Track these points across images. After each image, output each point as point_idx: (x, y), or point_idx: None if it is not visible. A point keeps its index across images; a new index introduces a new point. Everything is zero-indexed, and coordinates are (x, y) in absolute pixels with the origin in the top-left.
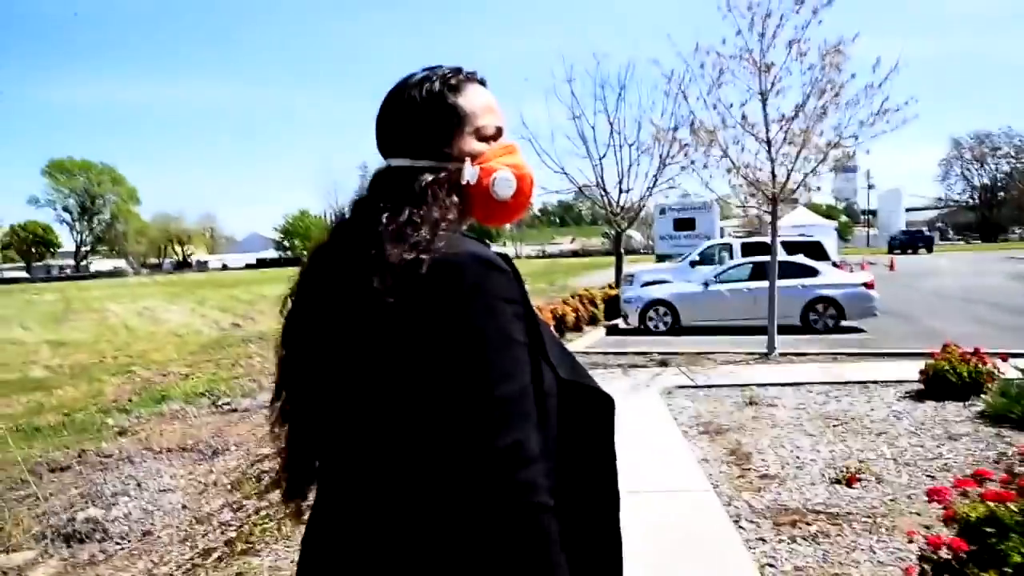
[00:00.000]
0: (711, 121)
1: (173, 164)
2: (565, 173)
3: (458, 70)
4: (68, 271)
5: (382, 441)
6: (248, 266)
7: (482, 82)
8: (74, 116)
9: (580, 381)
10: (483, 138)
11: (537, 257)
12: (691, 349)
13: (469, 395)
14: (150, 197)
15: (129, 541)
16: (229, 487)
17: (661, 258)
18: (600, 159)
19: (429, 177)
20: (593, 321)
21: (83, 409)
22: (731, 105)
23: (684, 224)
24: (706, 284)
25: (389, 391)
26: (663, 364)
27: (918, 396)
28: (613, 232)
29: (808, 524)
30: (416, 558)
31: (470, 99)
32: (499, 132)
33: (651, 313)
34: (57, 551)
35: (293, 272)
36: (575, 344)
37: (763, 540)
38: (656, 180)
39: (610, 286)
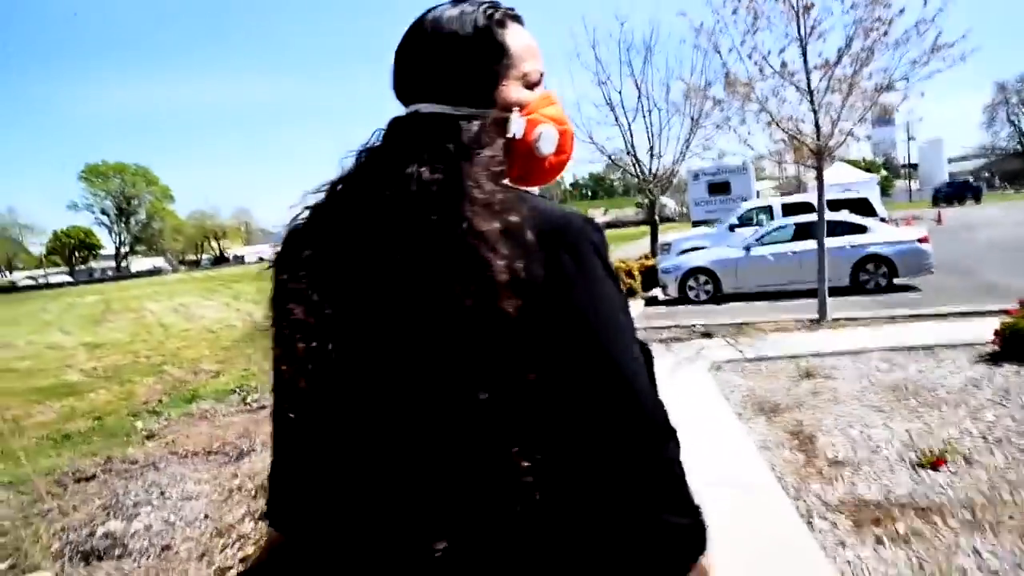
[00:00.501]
0: (747, 72)
1: (206, 161)
2: (593, 142)
3: (497, 4)
4: (109, 272)
5: (476, 455)
6: None
7: (521, 21)
8: (107, 122)
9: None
10: (529, 85)
11: None
12: (736, 318)
13: (612, 371)
14: (185, 195)
15: (148, 558)
16: (253, 493)
17: (697, 224)
18: (629, 125)
19: (476, 125)
20: (630, 294)
21: (113, 413)
22: (768, 53)
23: (719, 188)
24: (747, 248)
25: (488, 387)
26: (708, 336)
27: (993, 359)
28: (646, 201)
29: (894, 521)
30: None
31: (517, 39)
32: (541, 79)
33: (691, 282)
34: (75, 569)
35: None
36: None
37: (843, 544)
38: (688, 143)
39: (646, 256)
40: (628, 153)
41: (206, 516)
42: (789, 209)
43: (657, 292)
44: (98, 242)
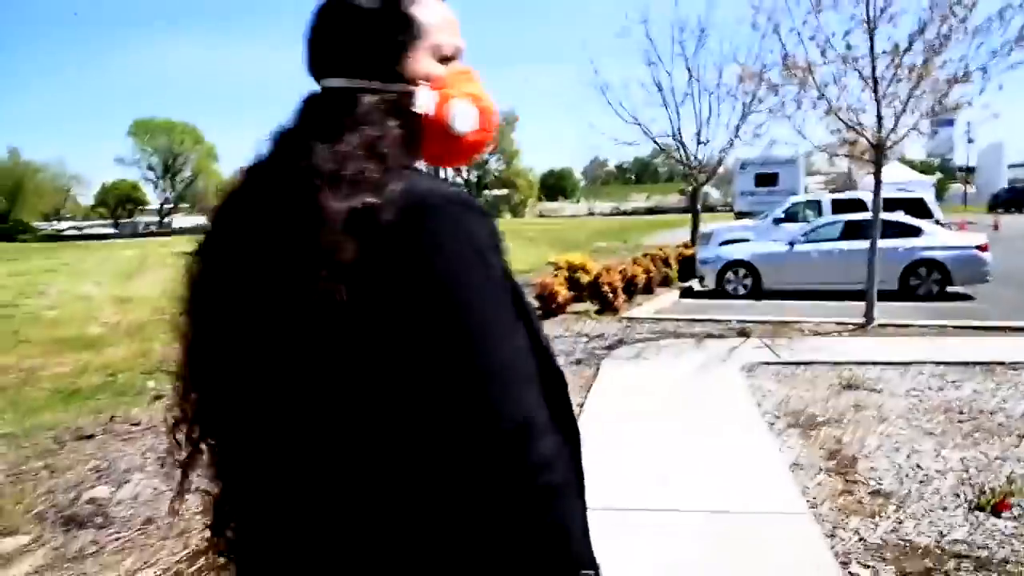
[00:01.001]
0: (806, 56)
1: (253, 123)
2: (638, 123)
3: None
4: (153, 228)
5: (342, 440)
6: None
7: None
8: (158, 79)
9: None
10: (441, 59)
11: (612, 215)
12: (775, 317)
13: (464, 363)
14: (230, 155)
15: (128, 530)
16: None
17: (740, 215)
18: (677, 109)
19: (372, 99)
20: (666, 282)
21: (128, 370)
22: (832, 35)
23: (766, 180)
24: (792, 244)
25: (348, 379)
26: (743, 334)
27: None
28: (689, 188)
29: None
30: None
31: (428, 11)
32: (458, 53)
33: (729, 275)
34: (54, 535)
35: None
36: (645, 308)
37: None
38: (738, 130)
39: (685, 245)
40: (673, 138)
41: (196, 488)
42: (839, 205)
43: (694, 283)
44: (144, 197)
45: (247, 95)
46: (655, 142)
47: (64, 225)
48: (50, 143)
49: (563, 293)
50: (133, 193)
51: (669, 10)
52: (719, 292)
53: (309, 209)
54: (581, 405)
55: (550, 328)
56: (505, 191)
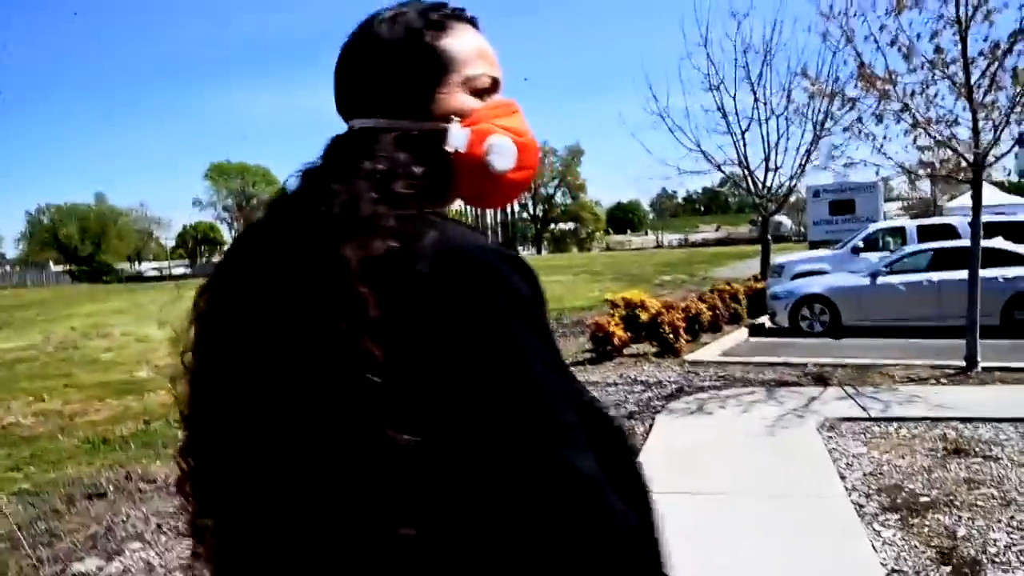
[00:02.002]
0: (886, 65)
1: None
2: (702, 151)
3: (441, 4)
4: None
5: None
6: None
7: (473, 22)
8: (232, 124)
9: (595, 403)
10: (475, 92)
11: (679, 246)
12: (857, 359)
13: (527, 427)
14: None
15: None
16: None
17: (814, 245)
18: (742, 134)
19: (392, 138)
20: (734, 319)
21: (164, 417)
22: (917, 37)
23: (842, 207)
24: (874, 276)
25: (372, 450)
26: (821, 381)
27: None
28: (759, 218)
29: None
30: None
31: (458, 42)
32: (495, 86)
33: (804, 311)
34: None
35: None
36: (710, 349)
37: None
38: (809, 154)
39: (755, 278)
40: (740, 165)
41: (190, 567)
42: (926, 232)
43: (764, 319)
44: (221, 237)
45: (316, 137)
46: (720, 170)
47: (145, 266)
48: (133, 188)
49: (619, 334)
50: (210, 234)
51: (732, 28)
52: (793, 330)
53: (323, 256)
54: None
55: (603, 374)
56: (572, 225)
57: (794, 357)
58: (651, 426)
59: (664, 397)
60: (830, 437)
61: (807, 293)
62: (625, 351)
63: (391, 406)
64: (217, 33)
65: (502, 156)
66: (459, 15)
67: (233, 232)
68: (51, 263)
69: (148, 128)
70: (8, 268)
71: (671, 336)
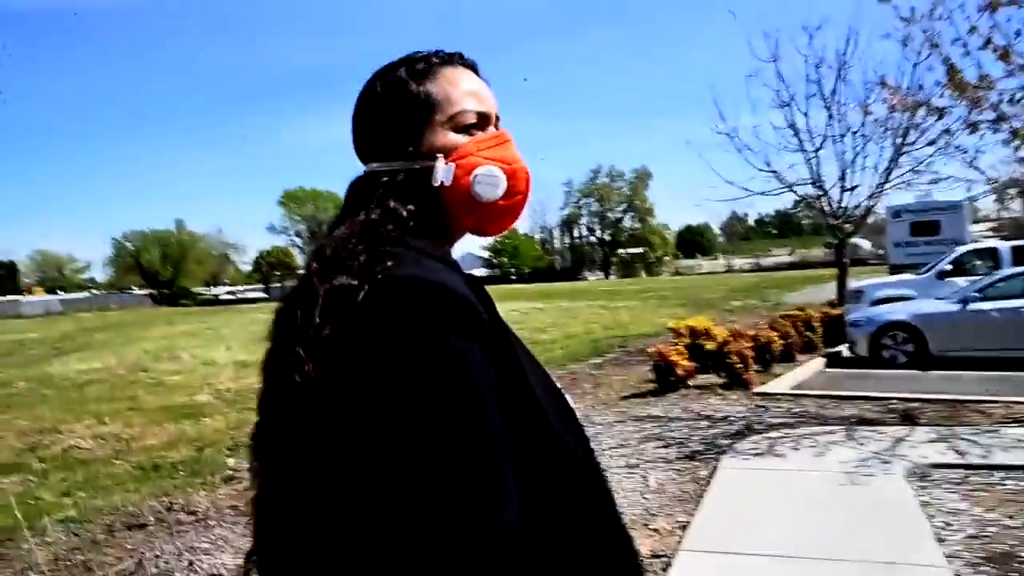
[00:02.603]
0: (978, 69)
1: None
2: (773, 171)
3: (433, 53)
4: None
5: (324, 516)
6: None
7: (469, 65)
8: (305, 151)
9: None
10: (461, 129)
11: (750, 270)
12: (949, 394)
13: (426, 465)
14: None
15: None
16: None
17: (895, 269)
18: (816, 152)
19: (385, 180)
20: (808, 348)
21: (216, 443)
22: (1017, 35)
23: (924, 228)
24: (964, 301)
25: (329, 461)
26: (908, 419)
27: None
28: (835, 241)
29: None
30: None
31: (443, 84)
32: (484, 121)
33: (886, 339)
34: None
35: (498, 291)
36: (782, 380)
37: None
38: (889, 172)
39: (831, 304)
40: (813, 184)
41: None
42: (1021, 254)
43: (842, 348)
44: (294, 262)
45: None
46: (792, 190)
47: (220, 290)
48: (210, 214)
49: (683, 364)
50: (284, 258)
51: (803, 42)
52: (873, 360)
53: (304, 289)
54: (684, 527)
55: (666, 407)
56: (639, 249)
57: (876, 391)
58: (714, 469)
59: (730, 435)
60: (922, 487)
61: (890, 320)
62: (690, 382)
63: (327, 412)
64: (289, 61)
65: (489, 186)
66: (448, 60)
67: (303, 257)
68: (134, 287)
69: (224, 155)
70: (94, 292)
71: (739, 367)
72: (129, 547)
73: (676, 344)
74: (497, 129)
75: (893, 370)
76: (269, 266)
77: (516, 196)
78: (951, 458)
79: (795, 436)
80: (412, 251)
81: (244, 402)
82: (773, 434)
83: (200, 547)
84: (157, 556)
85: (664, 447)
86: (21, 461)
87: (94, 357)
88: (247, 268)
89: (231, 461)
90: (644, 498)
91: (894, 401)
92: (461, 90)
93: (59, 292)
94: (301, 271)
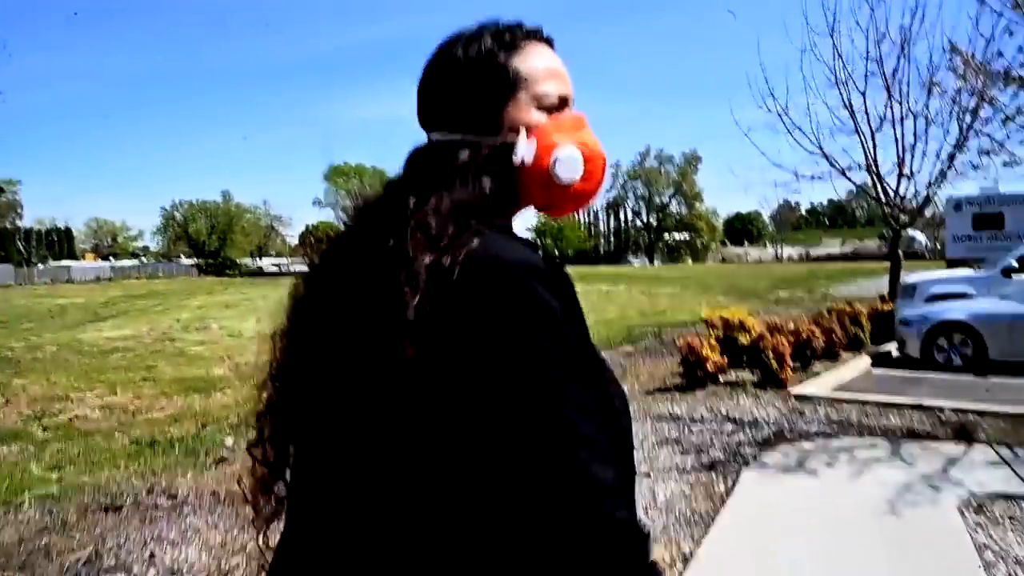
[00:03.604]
0: None
1: None
2: (825, 155)
3: (517, 25)
4: None
5: (399, 495)
6: None
7: (548, 41)
8: (352, 126)
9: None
10: (544, 108)
11: (800, 261)
12: (1012, 407)
13: (541, 436)
14: None
15: None
16: None
17: (953, 264)
18: (872, 135)
19: (467, 153)
20: (854, 346)
21: (219, 420)
22: None
23: (987, 221)
24: None
25: (412, 431)
26: (964, 435)
27: None
28: (890, 232)
29: None
30: None
31: (529, 60)
32: (564, 103)
33: (941, 340)
34: None
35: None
36: (822, 381)
37: None
38: (953, 157)
39: (882, 298)
40: (869, 170)
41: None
42: None
43: (891, 347)
44: None
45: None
46: (844, 175)
47: (266, 262)
48: (257, 187)
49: (714, 358)
50: (330, 233)
51: (864, 16)
52: (925, 362)
53: (389, 264)
54: (687, 560)
55: (690, 405)
56: (686, 235)
57: (928, 398)
58: (733, 485)
59: (758, 443)
60: (978, 524)
61: (946, 319)
62: (721, 378)
63: (420, 397)
64: (338, 38)
65: (568, 168)
66: (533, 35)
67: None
68: (183, 256)
69: (272, 129)
70: (143, 260)
71: (775, 364)
72: (97, 531)
73: (708, 336)
74: (574, 111)
75: (947, 375)
76: (316, 240)
77: (592, 180)
78: (1016, 487)
79: (831, 449)
80: (497, 231)
81: (259, 377)
82: (806, 444)
83: (168, 537)
84: (120, 545)
85: (681, 453)
86: (25, 429)
87: (128, 324)
88: (294, 242)
89: (229, 441)
90: (647, 516)
91: (947, 412)
92: (546, 68)
93: (111, 259)
94: (360, 242)
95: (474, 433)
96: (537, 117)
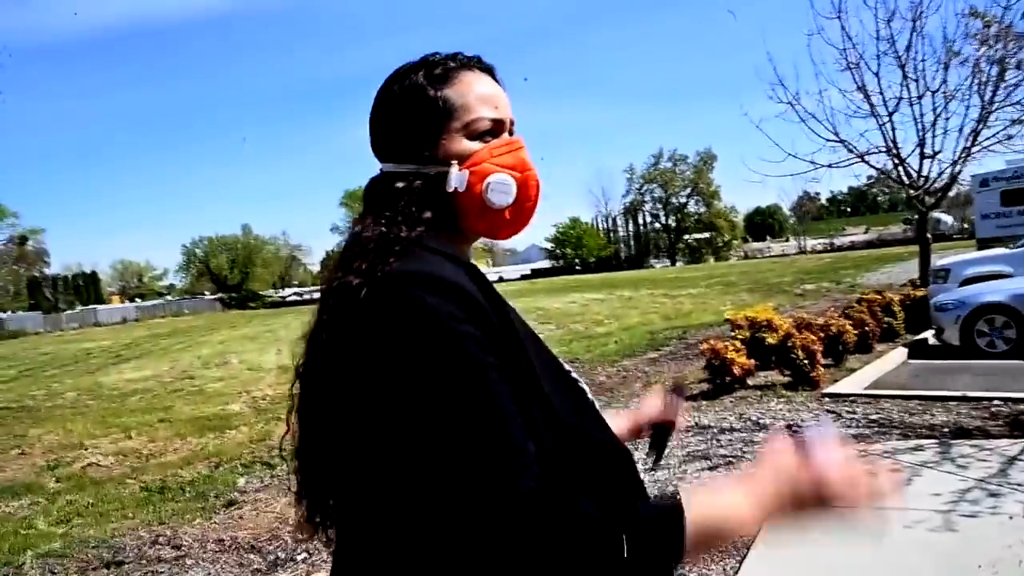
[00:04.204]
0: None
1: None
2: (840, 141)
3: (451, 56)
4: None
5: (359, 489)
6: (523, 277)
7: (486, 69)
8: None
9: (586, 428)
10: (475, 135)
11: (824, 251)
12: None
13: (440, 442)
14: None
15: None
16: None
17: (984, 243)
18: (890, 116)
19: (400, 185)
20: (888, 336)
21: (234, 460)
22: None
23: (1017, 197)
24: None
25: (351, 437)
26: (1020, 428)
27: None
28: (915, 216)
29: None
30: None
31: (461, 90)
32: (498, 127)
33: (981, 324)
34: None
35: (560, 282)
36: (857, 377)
37: None
38: (977, 132)
39: (913, 284)
40: (889, 152)
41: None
42: None
43: (928, 335)
44: None
45: None
46: (863, 160)
47: (287, 292)
48: (275, 218)
49: (740, 361)
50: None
51: None
52: (966, 349)
53: (326, 284)
54: None
55: (719, 413)
56: (706, 234)
57: (973, 388)
58: None
59: None
60: None
61: (985, 302)
62: (749, 381)
63: (351, 405)
64: (347, 65)
65: (501, 193)
66: (468, 64)
67: None
68: (207, 292)
69: (287, 160)
70: (168, 298)
71: (805, 363)
72: None
73: (734, 337)
74: (512, 135)
75: (991, 361)
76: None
77: (527, 203)
78: None
79: (873, 454)
80: (420, 249)
81: (275, 411)
82: None
83: None
84: None
85: (709, 469)
86: (38, 481)
87: (149, 365)
88: (316, 269)
89: (241, 481)
90: None
91: (998, 402)
92: (477, 96)
93: (137, 300)
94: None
95: (386, 430)
96: (469, 145)
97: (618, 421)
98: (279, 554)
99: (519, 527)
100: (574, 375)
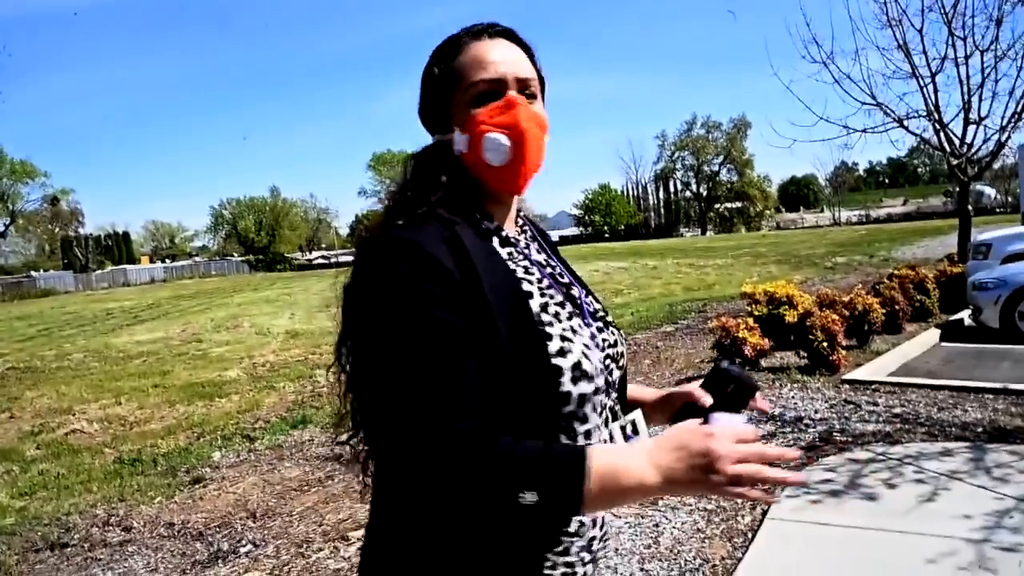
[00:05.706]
0: None
1: None
2: (878, 104)
3: (465, 31)
4: None
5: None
6: None
7: (500, 32)
8: (393, 115)
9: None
10: (474, 99)
11: (859, 223)
12: None
13: (387, 381)
14: None
15: None
16: None
17: None
18: (932, 77)
19: (424, 151)
20: (920, 315)
21: (217, 431)
22: None
23: None
24: None
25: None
26: None
27: None
28: (955, 188)
29: None
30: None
31: (462, 60)
32: (501, 86)
33: (1023, 306)
34: None
35: (587, 249)
36: (883, 361)
37: None
38: None
39: (950, 259)
40: (930, 117)
41: None
42: None
43: (964, 316)
44: None
45: None
46: (902, 125)
47: (315, 254)
48: (304, 181)
49: (754, 340)
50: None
51: None
52: (1006, 332)
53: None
54: None
55: None
56: (738, 204)
57: (1012, 379)
58: (763, 518)
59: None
60: None
61: None
62: (763, 363)
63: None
64: (378, 32)
65: (495, 151)
66: (476, 35)
67: None
68: (235, 254)
69: (317, 123)
70: (196, 259)
71: (824, 344)
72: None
73: (750, 313)
74: (524, 93)
75: None
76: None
77: (519, 160)
78: None
79: (893, 459)
80: (427, 214)
81: (271, 379)
82: (859, 454)
83: None
84: None
85: None
86: (18, 447)
87: (163, 326)
88: (344, 232)
89: (216, 455)
90: (643, 569)
91: None
92: (472, 62)
93: (166, 261)
94: None
95: (365, 370)
96: (467, 110)
97: (650, 393)
98: (223, 545)
99: (448, 464)
100: (594, 327)
